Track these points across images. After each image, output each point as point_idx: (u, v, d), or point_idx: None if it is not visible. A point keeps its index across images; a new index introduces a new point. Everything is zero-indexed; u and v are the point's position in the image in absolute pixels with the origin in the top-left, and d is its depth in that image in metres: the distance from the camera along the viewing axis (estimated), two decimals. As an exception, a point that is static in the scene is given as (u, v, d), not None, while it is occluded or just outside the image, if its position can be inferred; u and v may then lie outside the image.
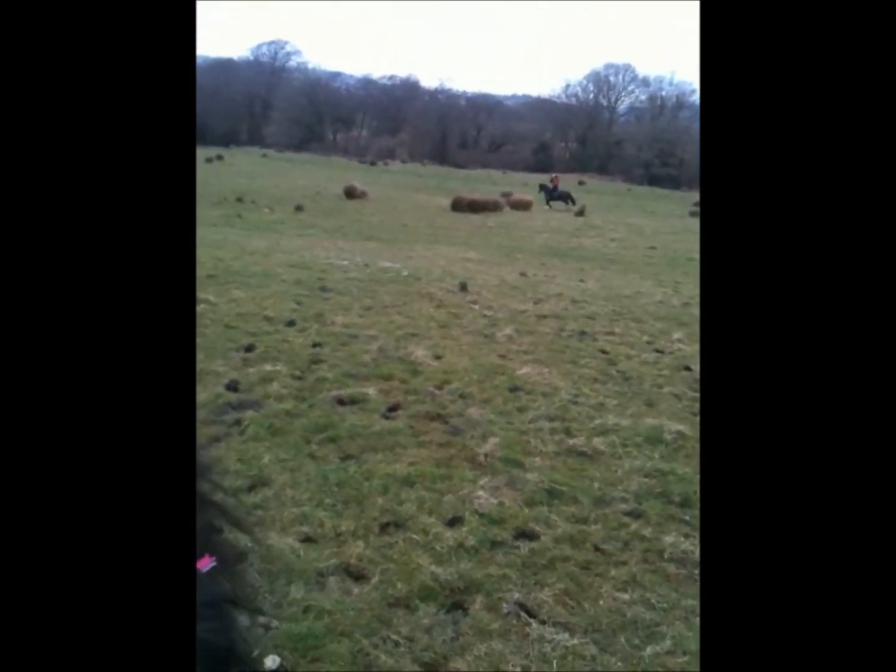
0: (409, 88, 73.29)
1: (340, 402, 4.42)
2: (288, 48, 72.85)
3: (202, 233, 11.38)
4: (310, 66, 74.26)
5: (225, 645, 0.46)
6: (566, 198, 25.52)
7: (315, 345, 5.65)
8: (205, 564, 0.53)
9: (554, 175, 31.15)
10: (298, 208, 17.03)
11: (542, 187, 26.42)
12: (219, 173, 25.69)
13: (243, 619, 0.51)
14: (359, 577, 2.61)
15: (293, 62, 73.24)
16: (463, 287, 8.44)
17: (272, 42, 72.50)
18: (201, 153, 35.45)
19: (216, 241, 10.60)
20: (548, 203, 25.32)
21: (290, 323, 6.24)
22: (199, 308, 6.39)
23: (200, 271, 8.05)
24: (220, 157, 33.92)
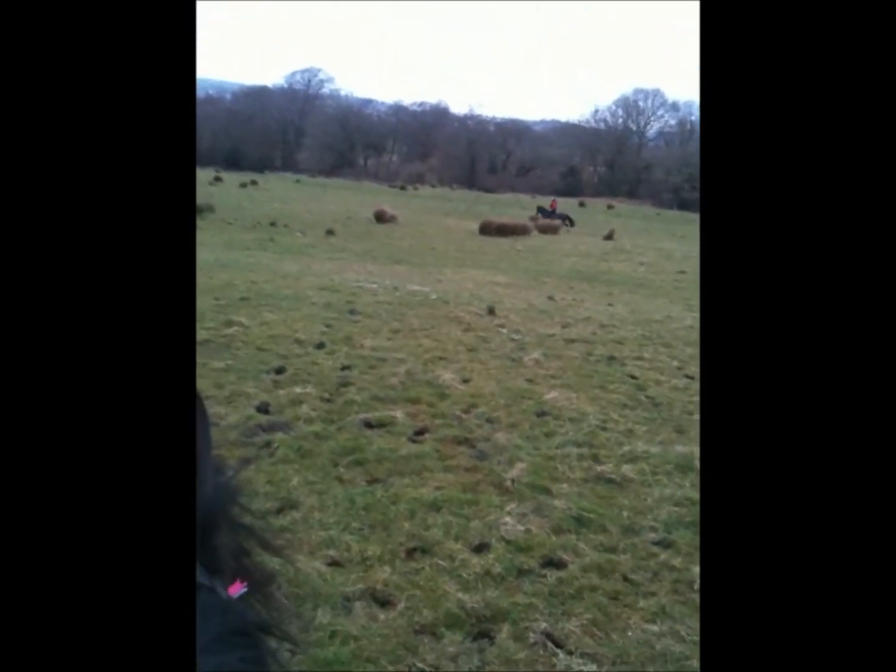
0: (438, 115, 74.29)
1: (368, 425, 4.44)
2: (321, 76, 74.55)
3: (236, 256, 11.61)
4: (342, 93, 75.89)
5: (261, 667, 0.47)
6: (564, 219, 26.00)
7: (344, 367, 5.70)
8: (236, 590, 0.53)
9: (553, 198, 32.20)
10: (329, 232, 17.27)
11: (540, 209, 27.02)
12: (253, 198, 26.22)
13: (273, 645, 0.52)
14: (385, 602, 2.61)
15: (326, 89, 74.86)
16: (491, 311, 8.46)
17: (306, 70, 74.27)
18: (237, 178, 36.24)
19: (249, 265, 10.79)
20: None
21: (320, 346, 6.31)
22: (232, 330, 6.50)
23: (234, 294, 8.22)
24: (254, 183, 34.64)
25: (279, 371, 5.45)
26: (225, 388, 4.84)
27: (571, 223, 25.84)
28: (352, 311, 7.88)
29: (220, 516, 0.56)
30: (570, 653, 2.41)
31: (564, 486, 3.74)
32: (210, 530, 0.54)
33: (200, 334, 6.31)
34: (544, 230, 23.01)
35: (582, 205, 45.27)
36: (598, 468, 4.00)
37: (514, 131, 72.81)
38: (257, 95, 69.24)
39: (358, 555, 2.89)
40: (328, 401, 4.86)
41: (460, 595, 2.67)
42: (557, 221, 24.95)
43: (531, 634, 2.49)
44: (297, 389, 4.99)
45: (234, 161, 56.43)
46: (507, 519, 3.29)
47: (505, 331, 7.58)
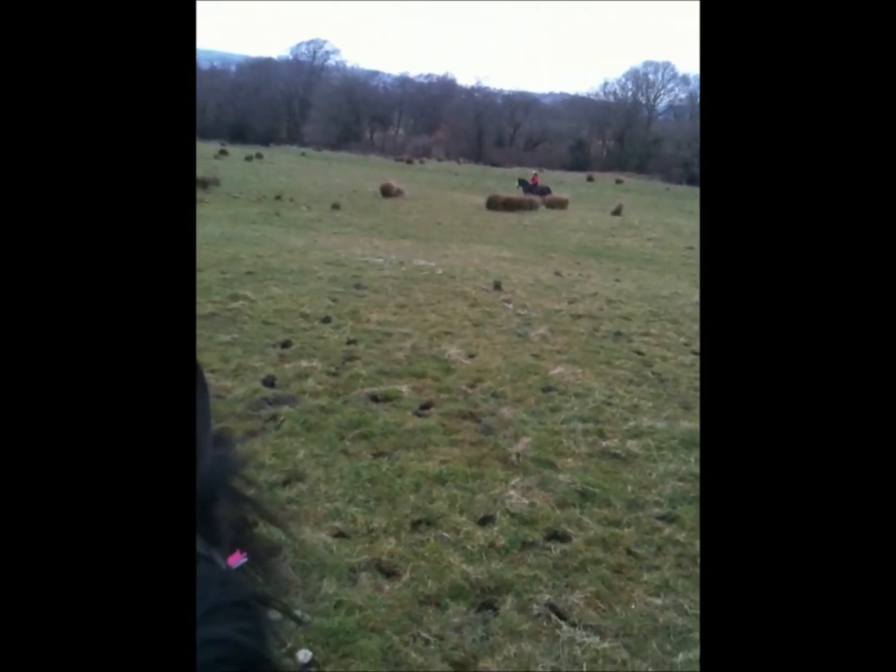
0: (445, 87, 73.38)
1: (374, 399, 4.45)
2: (327, 47, 73.65)
3: (242, 230, 11.57)
4: (348, 65, 75.06)
5: (255, 646, 0.46)
6: (545, 193, 25.78)
7: (350, 342, 5.70)
8: (235, 560, 0.53)
9: (535, 172, 32.15)
10: (335, 206, 17.18)
11: (522, 182, 26.87)
12: (258, 172, 26.06)
13: (274, 616, 0.51)
14: (390, 573, 2.63)
15: (332, 61, 74.03)
16: (497, 286, 8.43)
17: (311, 41, 73.33)
18: (242, 152, 36.00)
19: (255, 239, 10.76)
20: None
21: (326, 320, 6.31)
22: (238, 304, 6.50)
23: (240, 268, 8.20)
24: (259, 156, 34.40)
25: (285, 345, 5.46)
26: (231, 362, 4.85)
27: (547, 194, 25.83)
28: (357, 286, 7.86)
29: (220, 488, 0.55)
30: (573, 625, 2.43)
31: (569, 460, 3.75)
32: (209, 501, 0.53)
33: (206, 307, 6.31)
34: (552, 204, 22.83)
35: (590, 179, 44.87)
36: (604, 443, 4.00)
37: (521, 104, 71.90)
38: (262, 67, 68.51)
39: (364, 526, 2.92)
40: (334, 375, 4.87)
41: (465, 567, 2.69)
42: (537, 197, 25.01)
43: (535, 606, 2.51)
44: (303, 363, 5.00)
45: (239, 134, 56.00)
46: (512, 492, 3.30)
47: (511, 306, 7.56)
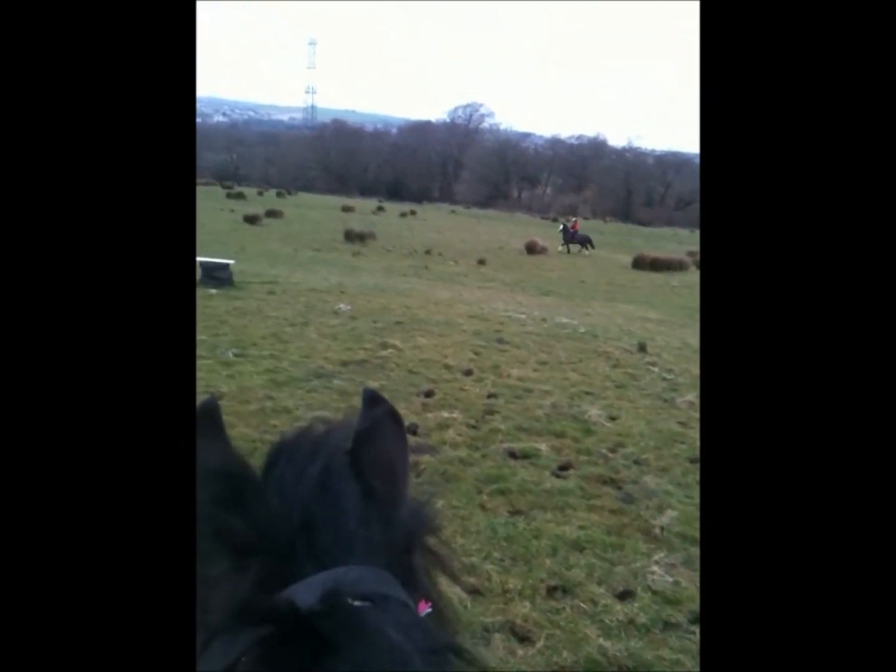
0: (596, 147, 73.73)
1: (512, 454, 4.43)
2: (482, 110, 76.97)
3: (393, 282, 12.18)
4: (502, 127, 77.82)
5: None
6: (585, 241, 25.59)
7: (490, 395, 5.75)
8: (422, 609, 0.54)
9: (574, 219, 31.24)
10: (481, 262, 17.62)
11: (564, 229, 26.58)
12: (411, 227, 27.43)
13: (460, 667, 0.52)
14: (524, 638, 2.57)
15: (486, 124, 77.16)
16: (641, 347, 8.16)
17: (468, 105, 77.01)
18: (397, 208, 38.12)
19: (405, 290, 11.26)
20: (565, 245, 25.43)
21: (468, 372, 6.42)
22: (387, 352, 6.80)
23: (390, 317, 8.61)
24: (413, 213, 36.29)
25: (428, 394, 5.61)
26: (377, 407, 5.05)
27: (591, 245, 25.57)
28: (500, 340, 7.95)
29: (419, 538, 0.58)
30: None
31: (719, 540, 3.49)
32: (408, 550, 0.56)
33: (358, 354, 6.67)
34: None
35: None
36: (758, 525, 3.69)
37: (673, 163, 70.44)
38: (421, 130, 72.77)
39: (498, 586, 2.88)
40: (474, 427, 4.92)
41: (602, 641, 2.56)
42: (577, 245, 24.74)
43: (677, 696, 2.33)
44: (445, 414, 5.10)
45: (395, 192, 59.51)
46: (655, 568, 3.12)
47: (656, 369, 7.28)
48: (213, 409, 0.59)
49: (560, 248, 25.20)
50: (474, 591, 2.84)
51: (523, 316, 9.84)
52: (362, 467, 0.58)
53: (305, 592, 0.47)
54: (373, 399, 0.64)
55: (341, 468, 0.57)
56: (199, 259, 10.38)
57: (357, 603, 0.47)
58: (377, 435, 0.62)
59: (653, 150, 73.48)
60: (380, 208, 36.65)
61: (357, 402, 0.65)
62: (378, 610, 0.48)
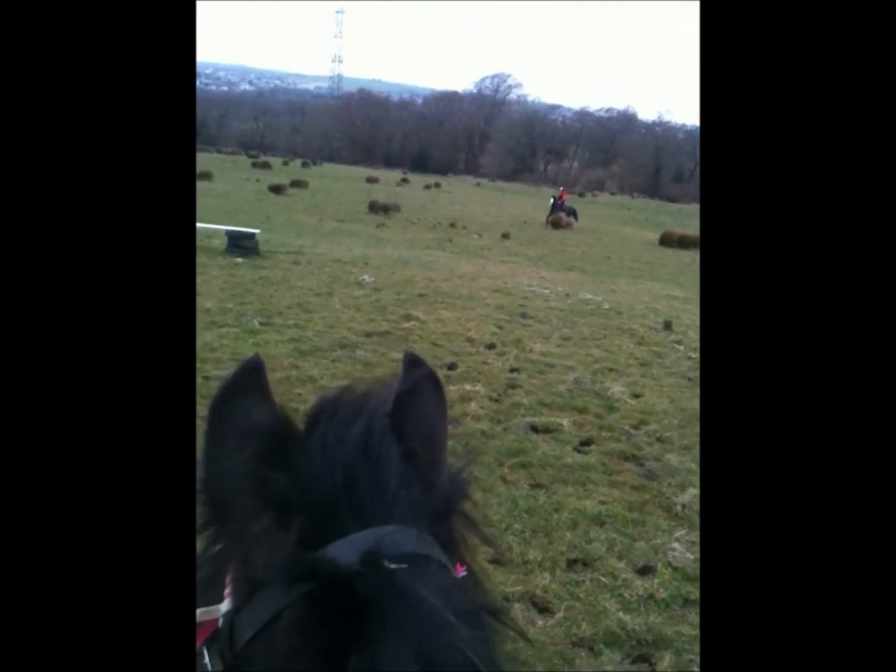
0: (625, 121, 72.37)
1: (534, 429, 4.44)
2: (510, 81, 75.75)
3: (417, 254, 12.15)
4: (529, 98, 76.57)
5: (490, 655, 0.47)
6: (571, 212, 25.34)
7: (513, 370, 5.74)
8: (458, 572, 0.55)
9: (562, 188, 30.89)
10: (505, 236, 17.50)
11: (553, 199, 26.36)
12: (435, 200, 27.28)
13: (497, 630, 0.53)
14: (543, 609, 2.59)
15: (513, 95, 75.98)
16: (667, 325, 8.08)
17: (495, 76, 75.84)
18: (422, 180, 37.89)
19: (428, 263, 11.24)
20: (552, 215, 25.13)
21: (491, 346, 6.42)
22: (410, 324, 6.82)
23: (413, 290, 8.60)
24: (437, 185, 36.06)
25: (451, 367, 5.62)
26: (400, 379, 5.08)
27: (576, 218, 25.22)
28: (523, 315, 7.92)
29: (457, 503, 0.58)
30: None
31: (741, 519, 3.48)
32: (446, 514, 0.56)
33: (382, 325, 6.69)
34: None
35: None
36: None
37: (705, 139, 68.92)
38: (448, 100, 71.94)
39: (519, 557, 2.91)
40: (496, 401, 4.93)
41: (621, 615, 2.58)
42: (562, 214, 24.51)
43: (695, 668, 2.35)
44: (467, 387, 5.11)
45: (420, 163, 59.11)
46: (676, 545, 3.12)
47: (682, 347, 7.20)
48: (257, 367, 0.59)
49: (547, 219, 24.95)
50: (494, 562, 2.87)
51: (547, 291, 9.78)
52: (402, 430, 0.58)
53: (346, 551, 0.47)
54: (413, 362, 0.64)
55: (382, 430, 0.57)
56: (225, 228, 10.46)
57: (394, 566, 0.47)
58: (417, 398, 0.62)
59: (683, 125, 71.89)
60: (404, 180, 36.50)
61: (380, 372, 0.64)
62: (417, 571, 0.48)
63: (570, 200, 30.83)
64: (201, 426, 0.55)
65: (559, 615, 2.56)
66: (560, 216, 23.73)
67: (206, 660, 0.50)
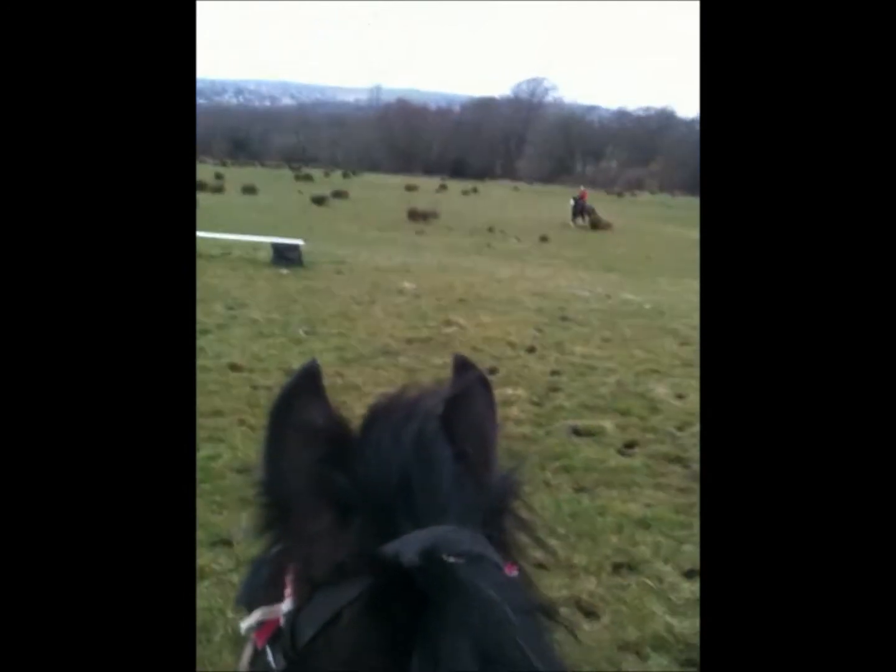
0: (664, 119, 71.28)
1: (576, 432, 4.42)
2: (546, 83, 75.46)
3: (456, 260, 12.20)
4: (566, 100, 76.20)
5: (546, 650, 0.47)
6: (590, 212, 25.22)
7: (554, 373, 5.72)
8: (509, 571, 0.54)
9: (582, 188, 30.15)
10: (543, 239, 17.43)
11: (575, 202, 26.04)
12: (473, 205, 27.35)
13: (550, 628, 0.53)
14: (589, 613, 2.58)
15: (550, 97, 75.70)
16: (713, 326, 7.92)
17: (531, 80, 75.69)
18: (460, 186, 38.01)
19: (467, 268, 11.27)
20: (574, 217, 24.98)
21: (531, 349, 6.40)
22: (450, 330, 6.85)
23: (453, 295, 8.65)
24: (475, 190, 36.13)
25: (492, 372, 5.62)
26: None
27: (591, 216, 25.01)
28: (563, 318, 7.87)
29: (506, 504, 0.59)
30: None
31: (792, 522, 3.40)
32: (498, 514, 0.57)
33: (423, 332, 6.74)
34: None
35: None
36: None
37: (748, 134, 67.45)
38: (484, 106, 72.06)
39: (564, 561, 2.90)
40: (537, 404, 4.91)
41: (668, 618, 2.55)
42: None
43: (746, 676, 2.31)
44: (508, 391, 5.11)
45: (458, 169, 59.34)
46: (724, 548, 3.07)
47: (728, 348, 7.06)
48: (314, 372, 0.60)
49: (572, 222, 24.83)
50: (540, 566, 2.86)
51: (587, 293, 9.70)
52: (454, 432, 0.58)
53: (405, 548, 0.48)
54: (463, 365, 0.65)
55: (434, 432, 0.57)
56: (271, 240, 10.70)
57: (453, 560, 0.48)
58: (468, 400, 0.63)
59: (725, 120, 70.37)
60: (442, 186, 36.68)
61: (422, 378, 0.66)
62: (474, 568, 0.48)
63: (608, 201, 30.38)
64: (261, 431, 0.57)
65: (605, 619, 2.54)
66: (599, 217, 23.60)
67: (270, 657, 0.52)
